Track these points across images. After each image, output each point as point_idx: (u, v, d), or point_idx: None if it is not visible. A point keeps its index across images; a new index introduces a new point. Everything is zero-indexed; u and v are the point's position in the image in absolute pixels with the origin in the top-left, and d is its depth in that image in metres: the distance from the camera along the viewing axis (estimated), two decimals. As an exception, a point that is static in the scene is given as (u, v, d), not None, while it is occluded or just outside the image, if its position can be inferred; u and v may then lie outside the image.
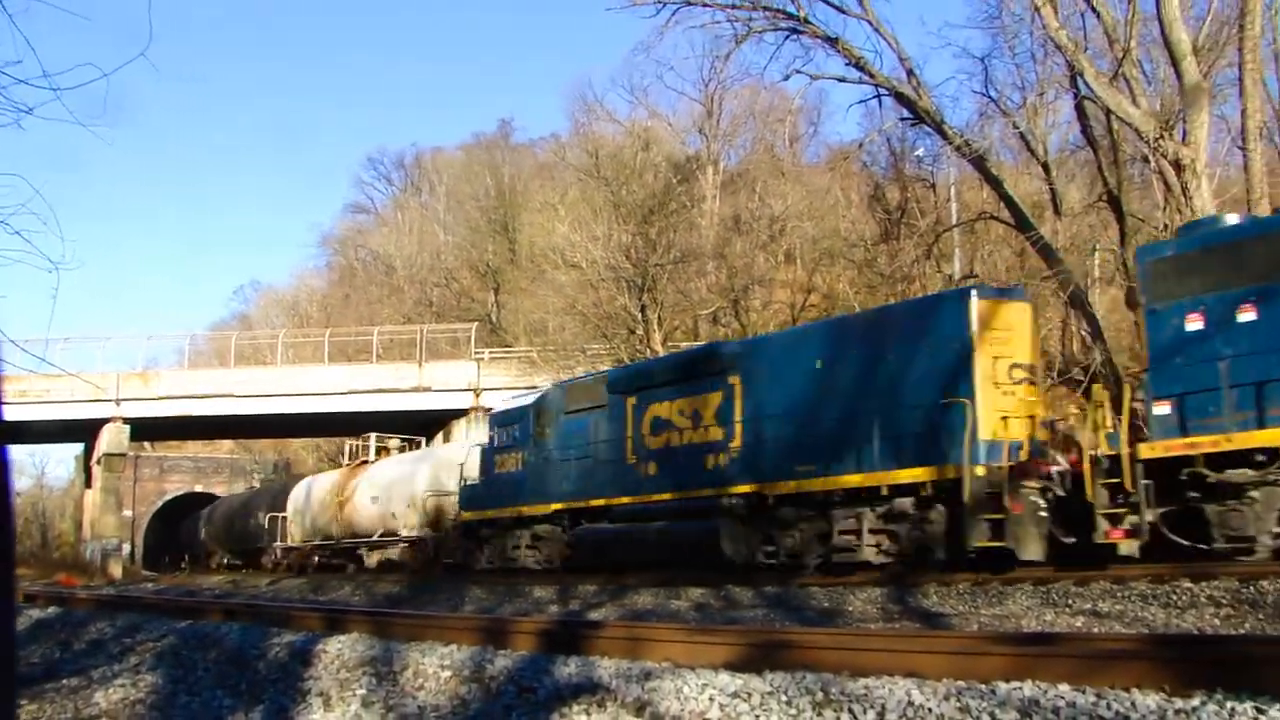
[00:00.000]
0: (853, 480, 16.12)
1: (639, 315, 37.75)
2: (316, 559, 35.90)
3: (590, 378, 24.29)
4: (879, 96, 28.98)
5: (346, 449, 37.17)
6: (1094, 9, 24.92)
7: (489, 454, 24.76)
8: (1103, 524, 13.74)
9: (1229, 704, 4.69)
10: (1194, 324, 13.52)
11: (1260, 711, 4.59)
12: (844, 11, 27.69)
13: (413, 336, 51.24)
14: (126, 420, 46.29)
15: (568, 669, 7.13)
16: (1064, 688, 5.28)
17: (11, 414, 2.92)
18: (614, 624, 11.22)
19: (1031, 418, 15.24)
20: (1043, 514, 14.50)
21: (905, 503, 15.39)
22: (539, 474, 22.65)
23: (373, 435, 37.01)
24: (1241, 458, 12.69)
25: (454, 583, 23.67)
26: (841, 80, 29.43)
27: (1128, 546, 13.74)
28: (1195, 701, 4.79)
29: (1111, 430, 14.18)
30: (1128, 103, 23.20)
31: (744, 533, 17.80)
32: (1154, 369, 13.97)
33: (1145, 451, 13.43)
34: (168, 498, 63.89)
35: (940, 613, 12.72)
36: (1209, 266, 13.60)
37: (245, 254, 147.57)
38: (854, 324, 18.88)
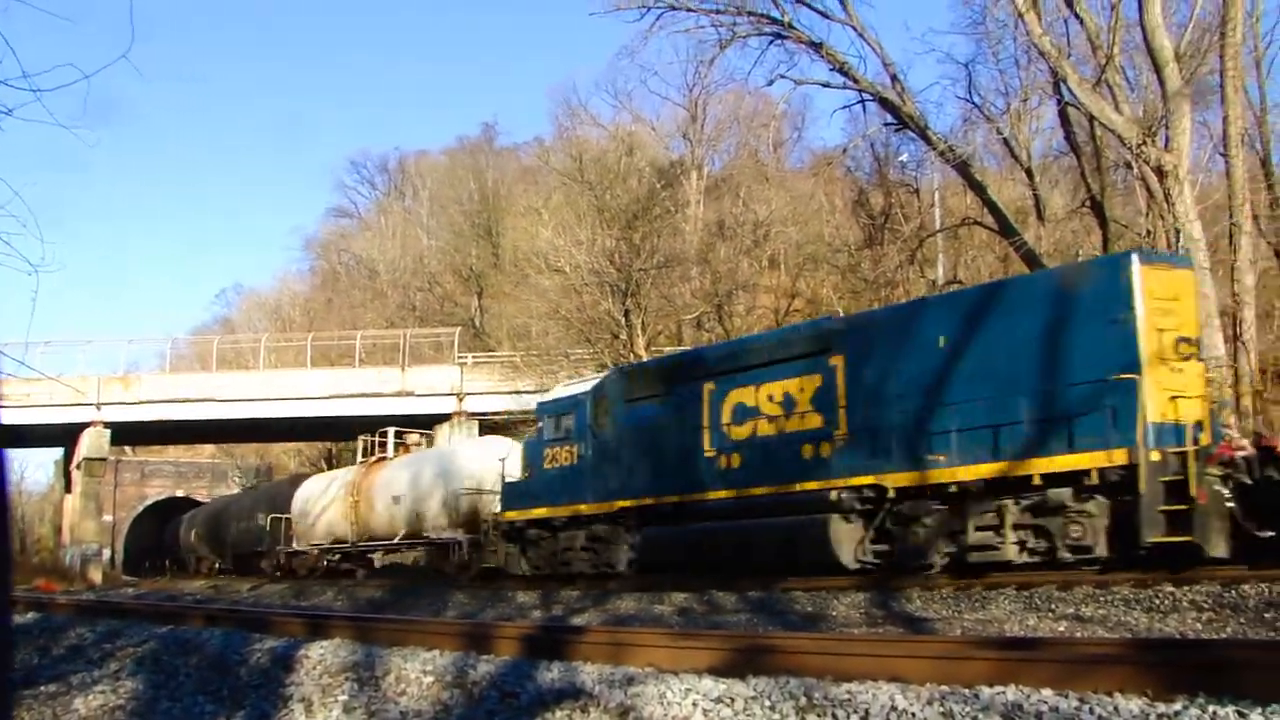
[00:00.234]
0: (996, 469, 14.29)
1: (622, 320, 37.72)
2: (325, 563, 33.72)
3: (656, 363, 22.15)
4: (863, 102, 29.14)
5: (360, 445, 35.10)
6: (1077, 15, 25.05)
7: (536, 447, 22.51)
8: None
9: (1211, 708, 4.70)
10: None
11: (1242, 715, 4.60)
12: (828, 17, 27.85)
13: (396, 341, 51.15)
14: (107, 424, 46.02)
15: (551, 674, 7.10)
16: (1047, 692, 5.28)
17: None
18: (597, 629, 11.20)
19: (1202, 397, 13.91)
20: (1229, 504, 13.09)
21: (1063, 493, 13.67)
22: (597, 469, 20.55)
23: (391, 430, 34.45)
24: None
25: (436, 588, 23.58)
26: (826, 86, 29.61)
27: None
28: (1178, 706, 4.79)
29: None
30: (1110, 109, 23.32)
31: (851, 530, 16.05)
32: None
33: None
34: (148, 502, 63.74)
35: (924, 617, 12.72)
36: None
37: (228, 257, 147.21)
38: (985, 296, 16.65)
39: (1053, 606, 12.29)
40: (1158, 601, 11.69)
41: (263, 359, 51.64)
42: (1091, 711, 4.91)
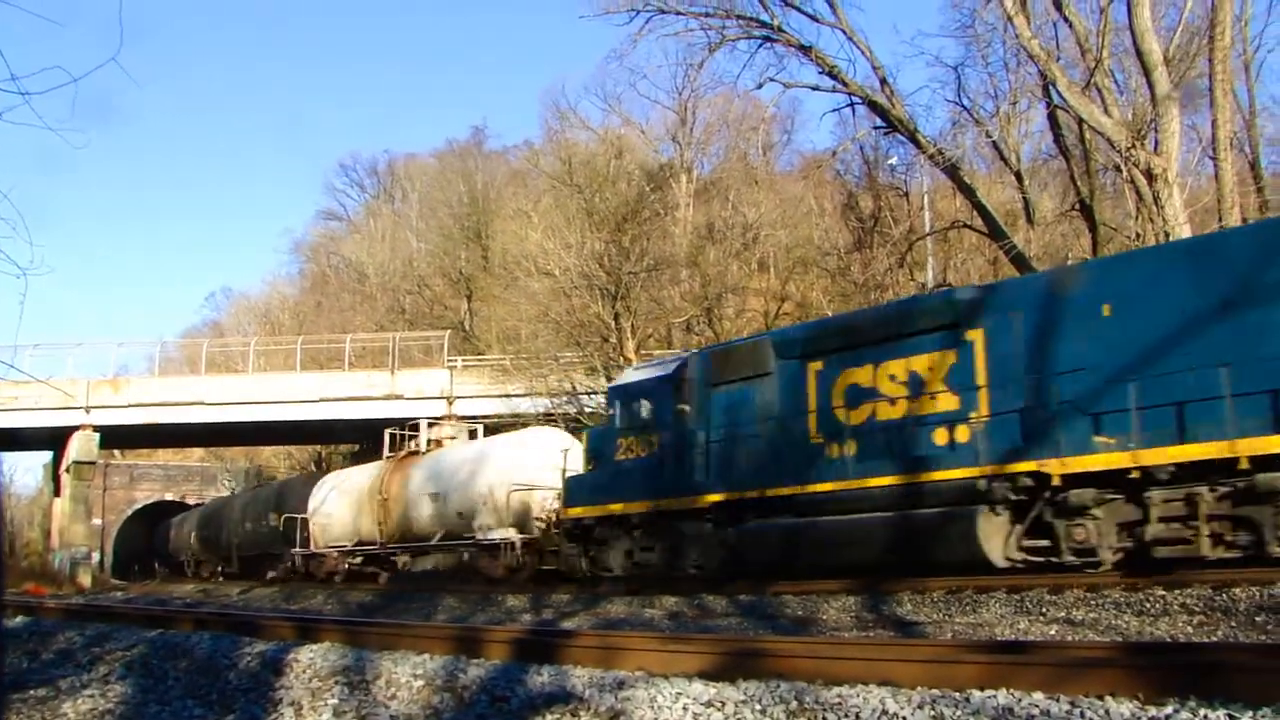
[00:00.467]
0: (1191, 452, 12.44)
1: (612, 323, 37.68)
2: (346, 566, 31.39)
3: (748, 341, 19.50)
4: (852, 105, 29.19)
5: (386, 439, 33.16)
6: (1066, 18, 25.11)
7: (607, 437, 20.35)
8: None
9: (1202, 711, 4.71)
10: None
11: (1233, 718, 4.60)
12: (817, 20, 27.90)
13: (385, 344, 51.02)
14: (96, 428, 45.90)
15: (541, 678, 7.10)
16: (1038, 696, 5.29)
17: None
18: (587, 633, 11.18)
19: None
20: None
21: (1277, 479, 11.87)
22: (681, 460, 18.40)
23: (423, 422, 32.23)
24: None
25: (426, 592, 23.51)
26: (815, 89, 29.63)
27: None
28: (1169, 709, 4.80)
29: None
30: (1100, 112, 23.37)
31: (1000, 524, 14.22)
32: None
33: None
34: (137, 506, 63.60)
35: (914, 621, 12.72)
36: None
37: (217, 260, 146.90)
38: (1159, 258, 14.63)
39: (1044, 610, 12.29)
40: (1149, 605, 11.70)
41: (252, 362, 51.57)
42: (1083, 715, 4.92)
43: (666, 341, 40.80)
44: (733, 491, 17.40)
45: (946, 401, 14.96)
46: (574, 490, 20.82)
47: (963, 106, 30.99)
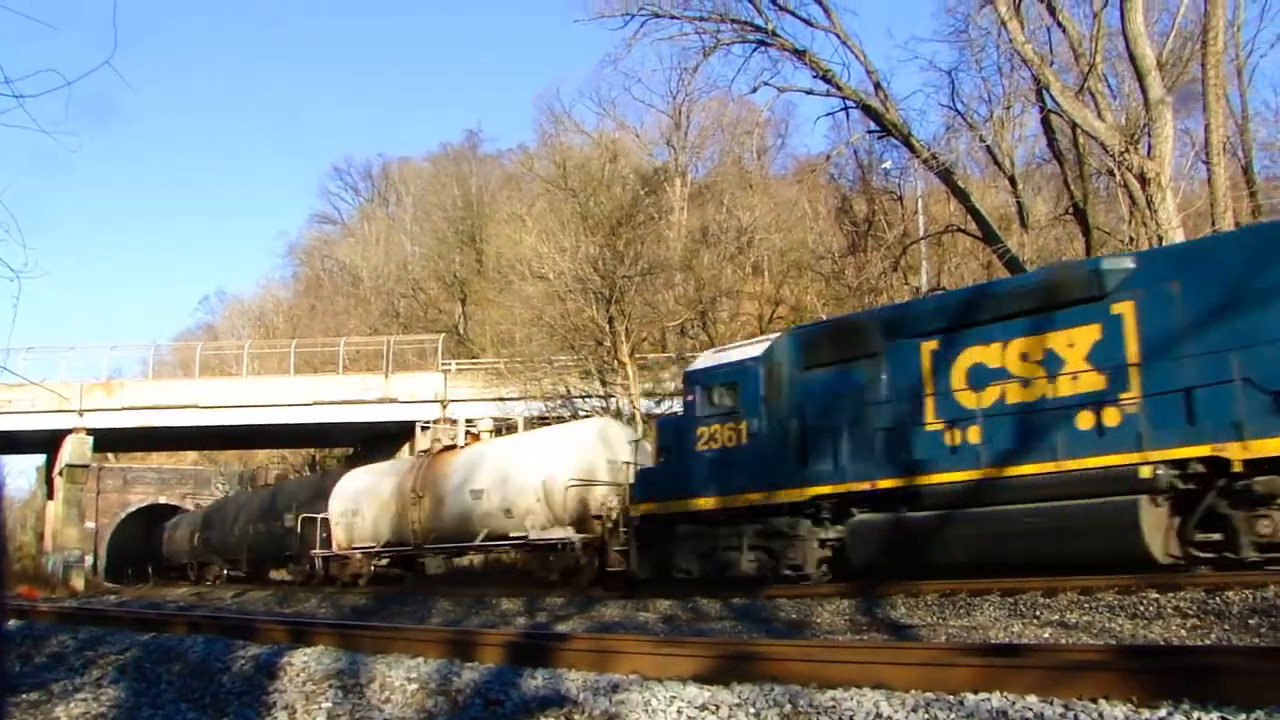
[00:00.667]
0: None
1: (606, 327, 37.63)
2: (373, 568, 29.78)
3: (851, 320, 18.20)
4: (846, 109, 29.23)
5: (417, 433, 31.63)
6: (1060, 24, 25.17)
7: (685, 425, 18.63)
8: None
9: (1196, 714, 4.72)
10: None
11: (1226, 721, 4.61)
12: (811, 24, 27.95)
13: (379, 347, 51.02)
14: (89, 431, 45.82)
15: (535, 681, 7.09)
16: (1032, 699, 5.30)
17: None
18: (581, 636, 11.16)
19: None
20: None
21: None
22: (777, 449, 16.90)
23: (462, 416, 30.49)
24: None
25: (420, 595, 23.47)
26: (809, 93, 29.70)
27: None
28: (1162, 712, 4.82)
29: None
30: (1093, 116, 23.42)
31: (1161, 515, 12.83)
32: None
33: None
34: (131, 509, 63.41)
35: (908, 624, 12.72)
36: None
37: (211, 263, 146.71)
38: None
39: (1037, 613, 12.29)
40: (1142, 608, 11.71)
41: (246, 365, 51.54)
42: (1076, 718, 4.93)
43: (661, 345, 40.81)
44: (843, 484, 15.94)
45: (1090, 381, 13.70)
46: (644, 485, 19.23)
47: (956, 111, 31.09)
